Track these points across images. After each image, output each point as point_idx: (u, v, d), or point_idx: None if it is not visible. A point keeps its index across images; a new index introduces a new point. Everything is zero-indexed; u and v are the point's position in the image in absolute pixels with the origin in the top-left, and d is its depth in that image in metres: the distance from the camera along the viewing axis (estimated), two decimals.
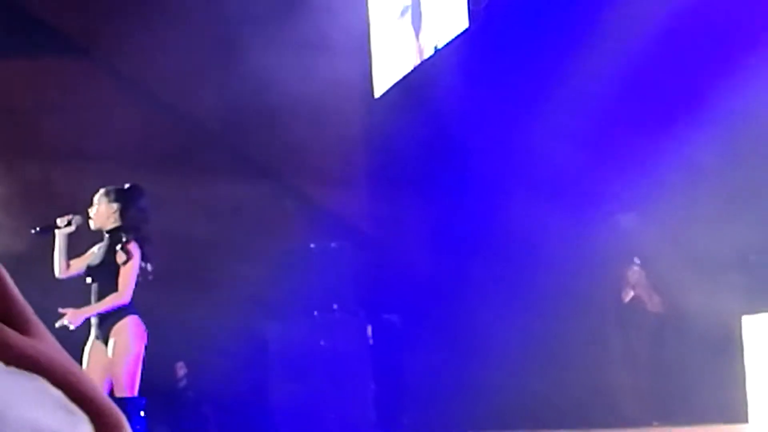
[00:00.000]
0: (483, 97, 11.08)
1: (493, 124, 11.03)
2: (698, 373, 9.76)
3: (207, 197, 12.70)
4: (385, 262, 12.61)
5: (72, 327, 6.74)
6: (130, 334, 6.90)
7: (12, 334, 0.63)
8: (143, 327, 6.99)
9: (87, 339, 7.02)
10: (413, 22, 12.47)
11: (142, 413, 6.90)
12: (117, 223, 7.07)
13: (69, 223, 7.17)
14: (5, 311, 0.65)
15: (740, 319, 8.59)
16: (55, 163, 12.50)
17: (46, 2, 13.20)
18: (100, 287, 6.99)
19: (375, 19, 13.36)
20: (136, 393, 6.90)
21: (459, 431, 10.22)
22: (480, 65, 11.29)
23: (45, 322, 0.70)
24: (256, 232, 12.61)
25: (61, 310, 6.78)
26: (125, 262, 6.93)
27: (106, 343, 6.92)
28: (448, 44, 11.55)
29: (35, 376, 0.61)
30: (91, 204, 7.17)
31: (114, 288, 6.93)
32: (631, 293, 10.90)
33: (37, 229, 7.32)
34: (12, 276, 0.69)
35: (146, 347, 7.00)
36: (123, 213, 7.07)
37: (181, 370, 12.41)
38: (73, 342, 6.51)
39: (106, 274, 6.97)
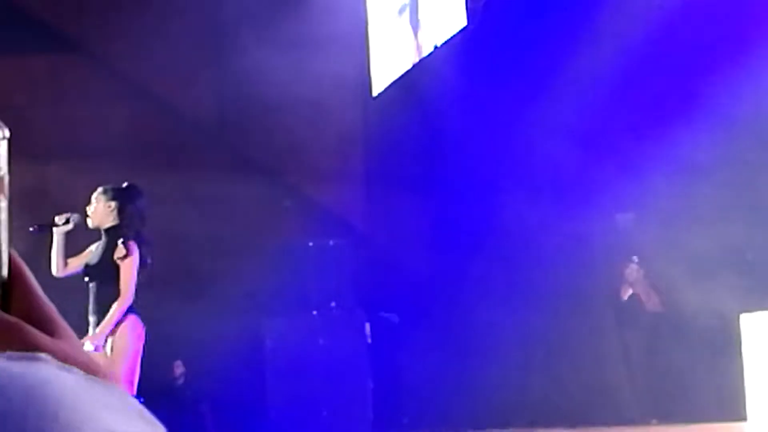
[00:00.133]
0: (481, 96, 11.07)
1: (492, 123, 11.02)
2: (697, 371, 9.77)
3: (204, 195, 12.69)
4: (384, 261, 12.60)
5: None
6: (128, 332, 6.90)
7: (39, 336, 0.60)
8: (142, 326, 6.98)
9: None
10: (411, 21, 12.47)
11: None
12: (115, 222, 7.06)
13: (67, 222, 7.15)
14: (28, 311, 0.62)
15: (738, 317, 8.60)
16: (49, 161, 12.45)
17: None
18: (97, 287, 6.98)
19: (373, 17, 13.35)
20: (134, 391, 6.89)
21: (457, 429, 10.21)
22: (478, 63, 11.28)
23: None
24: (254, 230, 12.61)
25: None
26: (123, 257, 6.91)
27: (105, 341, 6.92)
28: (446, 42, 11.54)
29: (112, 384, 0.57)
30: (87, 202, 7.17)
31: (111, 286, 6.91)
32: (630, 291, 10.91)
33: (36, 227, 7.29)
34: None
35: (144, 345, 6.99)
36: (121, 211, 7.06)
37: (178, 368, 12.40)
38: None
39: (104, 273, 6.96)
